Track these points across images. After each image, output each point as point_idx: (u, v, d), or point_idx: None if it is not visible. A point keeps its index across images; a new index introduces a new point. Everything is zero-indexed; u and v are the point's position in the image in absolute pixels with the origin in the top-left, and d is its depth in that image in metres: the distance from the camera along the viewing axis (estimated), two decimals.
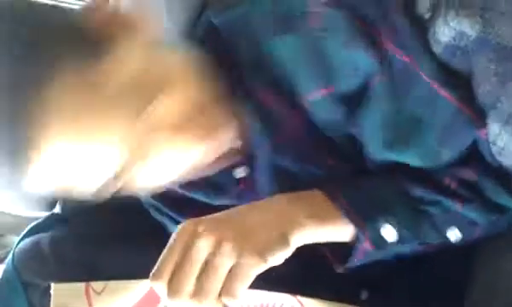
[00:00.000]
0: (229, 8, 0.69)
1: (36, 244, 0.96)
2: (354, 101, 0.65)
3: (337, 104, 0.65)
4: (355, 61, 0.63)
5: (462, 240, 0.65)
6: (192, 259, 0.56)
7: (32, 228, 1.00)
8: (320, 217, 0.62)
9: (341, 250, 0.65)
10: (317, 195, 0.64)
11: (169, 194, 0.78)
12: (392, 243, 0.62)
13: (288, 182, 0.71)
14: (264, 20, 0.65)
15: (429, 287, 0.72)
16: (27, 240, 0.97)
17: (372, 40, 0.62)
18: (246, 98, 0.68)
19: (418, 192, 0.63)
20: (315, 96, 0.66)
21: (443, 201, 0.63)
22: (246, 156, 0.72)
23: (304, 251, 0.62)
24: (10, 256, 0.95)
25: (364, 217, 0.62)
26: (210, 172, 0.71)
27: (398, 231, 0.62)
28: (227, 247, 0.56)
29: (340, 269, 0.67)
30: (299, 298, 0.68)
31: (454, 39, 0.60)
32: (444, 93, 0.63)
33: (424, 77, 0.63)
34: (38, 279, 0.90)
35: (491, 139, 0.62)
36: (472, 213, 0.64)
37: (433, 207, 0.63)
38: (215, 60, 0.67)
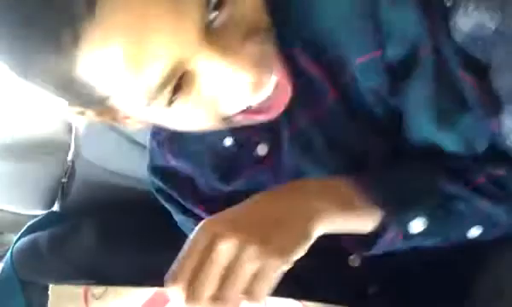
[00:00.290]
0: None
1: (34, 242, 0.95)
2: (400, 71, 0.63)
3: (384, 71, 0.63)
4: (404, 25, 0.61)
5: (478, 237, 0.63)
6: (213, 263, 0.52)
7: (30, 227, 0.99)
8: (346, 207, 0.59)
9: (361, 239, 0.62)
10: (344, 184, 0.60)
11: (181, 178, 0.76)
12: (417, 235, 0.61)
13: (318, 163, 0.69)
14: None
15: (436, 286, 0.72)
16: (25, 239, 0.96)
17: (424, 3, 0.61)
18: (288, 62, 0.61)
19: (451, 188, 0.62)
20: (363, 60, 0.63)
21: (473, 201, 0.62)
22: (271, 130, 0.69)
23: (310, 251, 0.60)
24: (8, 254, 0.94)
25: (395, 208, 0.60)
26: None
27: (425, 224, 0.60)
28: (251, 250, 0.52)
29: (356, 261, 0.66)
30: (304, 302, 0.66)
31: (474, 30, 0.60)
32: (468, 79, 0.62)
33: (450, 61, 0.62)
34: (37, 277, 0.89)
35: (504, 131, 0.62)
36: (500, 212, 0.62)
37: (463, 205, 0.62)
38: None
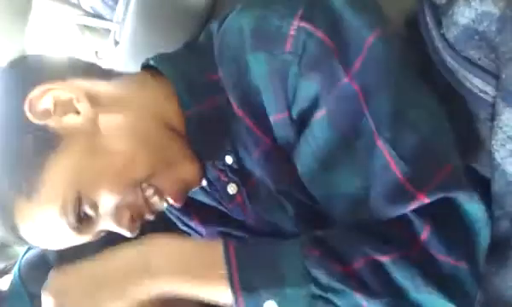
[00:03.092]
0: (227, 17, 0.71)
1: (42, 255, 0.94)
2: (304, 126, 0.66)
3: (291, 128, 0.66)
4: (308, 91, 0.63)
5: None
6: None
7: None
8: (192, 275, 0.60)
9: None
10: (215, 247, 0.62)
11: None
12: None
13: (274, 206, 0.72)
14: (248, 33, 0.66)
15: None
16: (33, 252, 0.95)
17: (330, 68, 0.62)
18: (230, 109, 0.70)
19: (324, 277, 0.57)
20: (276, 119, 0.67)
21: (350, 294, 0.57)
22: (239, 173, 0.73)
23: None
24: (16, 267, 0.93)
25: (245, 286, 0.58)
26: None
27: None
28: None
29: None
30: None
31: (474, 21, 0.59)
32: (381, 146, 0.60)
33: (368, 117, 0.61)
34: None
35: (509, 133, 0.59)
36: None
37: (336, 297, 0.57)
38: (207, 73, 0.71)
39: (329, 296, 0.58)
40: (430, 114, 0.63)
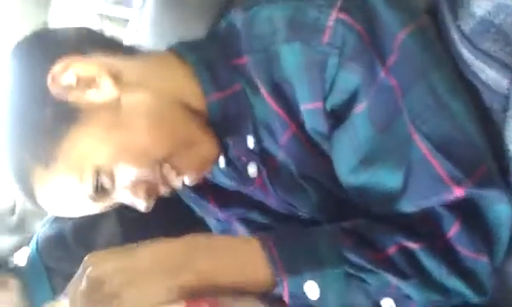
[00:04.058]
0: (251, 8, 0.71)
1: (59, 233, 0.96)
2: (339, 118, 0.66)
3: (325, 119, 0.67)
4: (348, 83, 0.64)
5: None
6: (77, 293, 0.60)
7: (56, 217, 1.00)
8: (235, 269, 0.63)
9: None
10: (250, 241, 0.65)
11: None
12: (314, 301, 0.62)
13: (297, 191, 0.74)
14: (282, 23, 0.66)
15: None
16: (50, 229, 0.97)
17: (370, 61, 0.63)
18: (255, 95, 0.71)
19: (357, 259, 0.62)
20: (308, 107, 0.67)
21: (380, 274, 0.61)
22: (260, 154, 0.74)
23: None
24: (34, 242, 0.95)
25: (288, 269, 0.62)
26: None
27: (321, 291, 0.61)
28: (104, 292, 0.59)
29: None
30: None
31: (490, 13, 0.59)
32: (418, 140, 0.62)
33: (404, 111, 0.63)
34: (63, 266, 0.90)
35: None
36: (409, 290, 0.61)
37: (369, 277, 0.62)
38: (229, 59, 0.71)
39: (362, 275, 0.61)
40: (467, 109, 0.65)
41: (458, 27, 0.67)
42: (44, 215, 1.00)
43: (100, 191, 0.68)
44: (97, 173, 0.67)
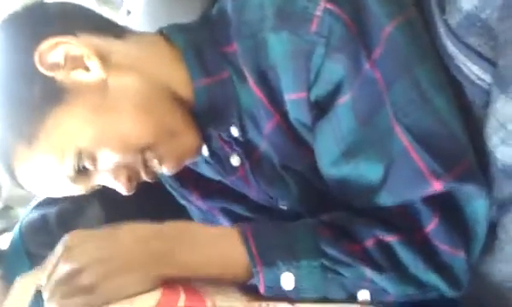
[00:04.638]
0: None
1: (43, 218, 0.96)
2: (322, 109, 0.66)
3: (308, 109, 0.66)
4: (333, 74, 0.64)
5: (372, 302, 0.63)
6: (57, 273, 0.61)
7: (40, 202, 1.00)
8: (214, 259, 0.63)
9: None
10: (229, 232, 0.65)
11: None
12: (289, 291, 0.62)
13: (277, 182, 0.74)
14: (271, 10, 0.66)
15: None
16: (35, 214, 0.97)
17: (355, 53, 0.63)
18: (241, 84, 0.71)
19: (334, 252, 0.62)
20: (292, 97, 0.67)
21: (357, 267, 0.62)
22: (243, 145, 0.74)
23: None
24: (17, 228, 0.95)
25: (265, 260, 0.62)
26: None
27: (296, 282, 0.62)
28: (81, 283, 0.60)
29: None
30: (297, 305, 0.65)
31: (476, 8, 0.59)
32: (399, 133, 0.62)
33: (387, 104, 0.62)
34: (45, 251, 0.90)
35: (502, 121, 0.59)
36: (385, 283, 0.62)
37: (345, 270, 0.62)
38: (218, 46, 0.71)
39: (338, 268, 0.62)
40: (450, 104, 0.64)
41: (445, 21, 0.67)
42: (30, 201, 1.00)
43: (80, 173, 0.68)
44: (79, 155, 0.66)
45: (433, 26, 0.70)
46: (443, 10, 0.68)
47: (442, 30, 0.67)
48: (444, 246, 0.61)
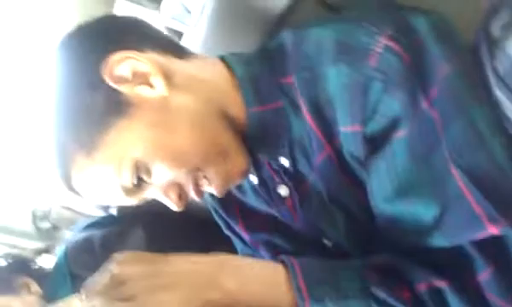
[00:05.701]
0: (302, 29, 0.72)
1: (88, 239, 0.99)
2: (376, 144, 0.65)
3: (362, 143, 0.66)
4: (390, 109, 0.64)
5: None
6: (106, 292, 0.62)
7: (87, 224, 1.03)
8: (260, 294, 0.64)
9: None
10: (276, 265, 0.66)
11: (224, 198, 0.80)
12: None
13: (323, 215, 0.74)
14: (331, 45, 0.67)
15: None
16: (80, 235, 1.00)
17: (413, 90, 0.63)
18: (295, 115, 0.72)
19: (383, 294, 0.62)
20: (347, 130, 0.67)
21: None
22: (293, 176, 0.74)
23: None
24: (63, 247, 0.98)
25: (313, 296, 0.62)
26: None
27: None
28: (126, 292, 0.61)
29: None
30: None
31: None
32: (456, 175, 0.61)
33: (443, 144, 0.62)
34: (87, 271, 0.92)
35: None
36: None
37: None
38: (275, 77, 0.72)
39: None
40: (503, 148, 0.63)
41: (494, 68, 0.66)
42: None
43: (136, 185, 0.69)
44: (136, 167, 0.67)
45: (484, 71, 0.69)
46: (493, 56, 0.67)
47: (492, 76, 0.67)
48: (495, 299, 0.60)
